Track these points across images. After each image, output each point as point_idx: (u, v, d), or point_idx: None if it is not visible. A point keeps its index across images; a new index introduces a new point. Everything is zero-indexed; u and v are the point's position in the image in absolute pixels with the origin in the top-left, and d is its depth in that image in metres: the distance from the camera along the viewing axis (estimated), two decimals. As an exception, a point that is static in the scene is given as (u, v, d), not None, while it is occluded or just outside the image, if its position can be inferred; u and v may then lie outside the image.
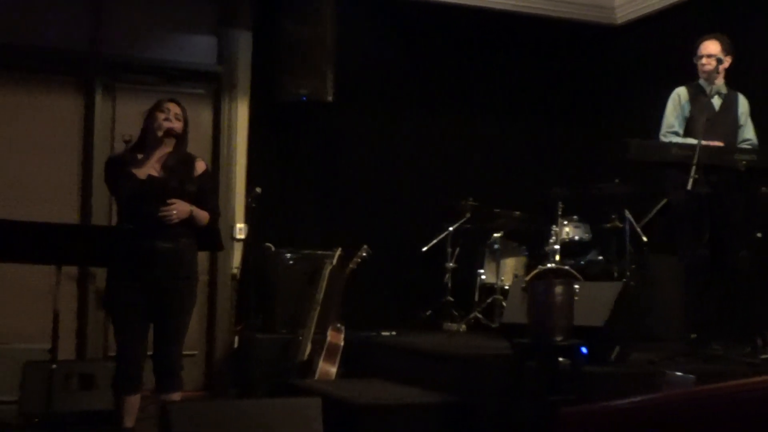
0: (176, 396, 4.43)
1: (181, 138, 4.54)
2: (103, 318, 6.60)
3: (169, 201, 4.35)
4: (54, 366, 4.30)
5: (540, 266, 6.31)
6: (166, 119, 4.48)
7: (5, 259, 4.27)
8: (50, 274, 4.30)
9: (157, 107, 4.53)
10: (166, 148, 4.48)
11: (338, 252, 6.45)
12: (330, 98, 6.97)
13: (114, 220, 4.79)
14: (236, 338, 6.71)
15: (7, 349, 6.07)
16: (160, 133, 4.43)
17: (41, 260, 4.28)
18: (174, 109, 4.53)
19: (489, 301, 6.90)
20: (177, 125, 4.49)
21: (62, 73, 6.77)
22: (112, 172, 4.48)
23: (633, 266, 6.27)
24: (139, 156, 4.46)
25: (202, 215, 4.48)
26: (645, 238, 6.36)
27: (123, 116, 6.76)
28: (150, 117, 4.52)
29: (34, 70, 6.70)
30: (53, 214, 6.38)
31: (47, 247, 4.13)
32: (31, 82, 6.69)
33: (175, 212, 4.34)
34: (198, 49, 7.13)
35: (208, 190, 4.63)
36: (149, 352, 4.46)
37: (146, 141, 4.50)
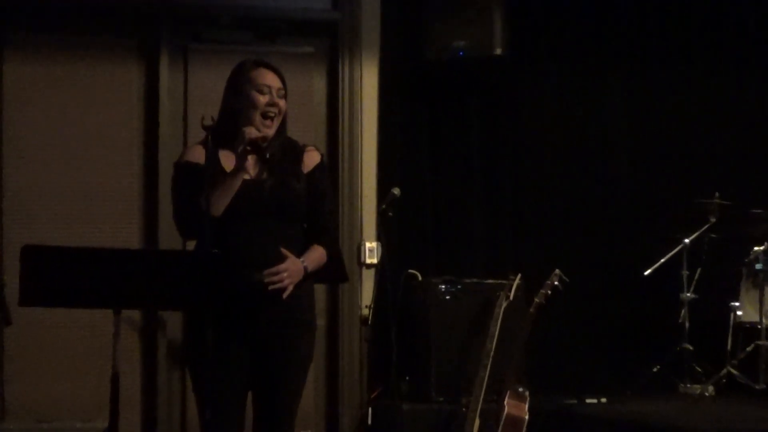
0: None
1: (282, 121, 4.53)
2: (179, 383, 6.77)
3: (269, 271, 4.31)
4: (114, 455, 4.38)
5: (830, 296, 6.21)
6: (270, 104, 4.42)
7: (44, 303, 4.32)
8: (106, 321, 4.36)
9: (248, 80, 4.45)
10: (266, 130, 4.43)
11: (516, 280, 6.49)
12: (499, 51, 7.03)
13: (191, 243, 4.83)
14: (370, 410, 6.71)
15: (51, 429, 6.24)
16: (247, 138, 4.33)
17: (93, 303, 4.33)
18: (274, 82, 4.47)
19: (749, 349, 6.93)
20: (271, 130, 4.43)
21: (115, 32, 6.97)
22: (181, 190, 4.44)
23: None
24: (223, 156, 4.39)
25: (319, 256, 4.49)
26: None
27: (198, 90, 6.91)
28: (238, 94, 4.46)
29: (76, 32, 6.91)
30: (106, 234, 6.62)
31: (101, 283, 4.15)
32: (73, 48, 6.90)
33: (287, 281, 4.34)
34: (305, -11, 7.26)
35: (322, 190, 4.61)
36: (247, 433, 4.52)
37: (231, 127, 4.41)
